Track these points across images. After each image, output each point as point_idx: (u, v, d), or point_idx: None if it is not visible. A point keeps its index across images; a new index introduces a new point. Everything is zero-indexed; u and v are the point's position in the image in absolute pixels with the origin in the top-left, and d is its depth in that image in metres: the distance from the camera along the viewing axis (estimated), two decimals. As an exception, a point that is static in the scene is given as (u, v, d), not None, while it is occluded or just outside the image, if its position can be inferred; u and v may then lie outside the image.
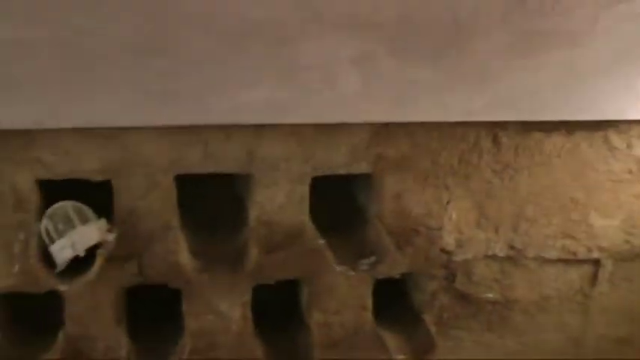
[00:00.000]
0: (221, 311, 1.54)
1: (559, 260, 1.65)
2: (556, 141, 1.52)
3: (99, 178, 1.37)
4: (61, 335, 1.46)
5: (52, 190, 1.40)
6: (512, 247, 1.61)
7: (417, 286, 1.70)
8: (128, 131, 1.35)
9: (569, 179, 1.56)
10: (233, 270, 1.42)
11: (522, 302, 1.69)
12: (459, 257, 1.59)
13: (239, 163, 1.42)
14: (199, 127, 1.37)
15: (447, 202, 1.53)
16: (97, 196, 1.41)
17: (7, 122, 1.28)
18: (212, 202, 1.61)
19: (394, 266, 1.56)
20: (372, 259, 1.46)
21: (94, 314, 1.48)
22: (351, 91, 1.35)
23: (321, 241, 1.45)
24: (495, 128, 1.49)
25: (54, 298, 1.48)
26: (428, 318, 1.64)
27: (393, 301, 1.77)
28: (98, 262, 1.30)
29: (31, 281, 1.39)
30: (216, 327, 1.56)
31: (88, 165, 1.36)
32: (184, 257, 1.41)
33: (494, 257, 1.61)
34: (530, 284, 1.67)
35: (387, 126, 1.45)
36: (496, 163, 1.52)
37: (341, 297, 1.59)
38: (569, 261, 1.65)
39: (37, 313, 1.56)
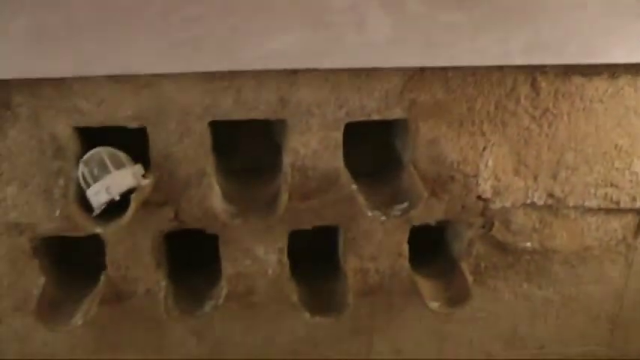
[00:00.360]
0: (257, 256, 1.58)
1: (600, 209, 1.61)
2: (598, 85, 1.47)
3: (134, 125, 1.40)
4: (103, 278, 1.53)
5: (90, 137, 1.44)
6: (551, 196, 1.58)
7: (455, 234, 1.69)
8: (161, 79, 1.37)
9: (612, 125, 1.51)
10: (267, 215, 1.42)
11: (562, 253, 1.66)
12: (496, 205, 1.57)
13: (272, 109, 1.43)
14: (231, 73, 1.38)
15: (484, 149, 1.50)
16: (134, 142, 1.44)
17: (44, 71, 1.31)
18: (251, 148, 1.62)
19: (429, 213, 1.56)
20: (405, 205, 1.45)
21: (133, 258, 1.54)
22: (381, 35, 1.33)
23: (354, 187, 1.44)
24: (534, 72, 1.45)
25: (97, 243, 1.55)
26: (465, 266, 1.63)
27: (433, 249, 1.79)
28: (132, 206, 1.32)
29: (71, 225, 1.45)
30: (252, 272, 1.60)
31: (123, 112, 1.39)
32: (218, 203, 1.42)
33: (532, 205, 1.58)
34: (570, 234, 1.64)
35: (421, 71, 1.42)
36: (534, 108, 1.48)
37: (377, 243, 1.60)
38: (612, 210, 1.61)
39: (81, 257, 1.63)
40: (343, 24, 1.32)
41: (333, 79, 1.41)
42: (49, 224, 1.46)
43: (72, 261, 1.63)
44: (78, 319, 1.43)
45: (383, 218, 1.43)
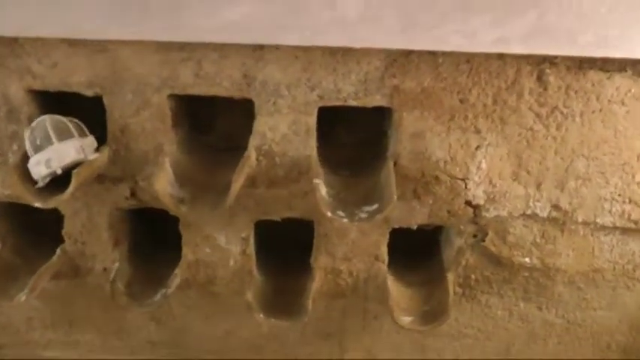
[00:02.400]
0: (218, 244, 1.48)
1: (616, 228, 1.40)
2: (620, 84, 1.24)
3: (89, 92, 1.32)
4: (58, 252, 1.47)
5: (53, 103, 1.38)
6: (557, 208, 1.38)
7: (447, 240, 1.53)
8: (117, 45, 1.28)
9: (635, 132, 1.29)
10: (216, 204, 1.29)
11: (567, 272, 1.47)
12: (490, 213, 1.39)
13: (236, 86, 1.30)
14: (190, 45, 1.26)
15: (477, 148, 1.32)
16: (97, 113, 1.37)
17: None
18: (230, 129, 1.52)
19: (410, 216, 1.40)
20: (375, 206, 1.30)
21: (90, 233, 1.48)
22: (353, 10, 1.18)
23: (317, 181, 1.30)
24: (541, 64, 1.25)
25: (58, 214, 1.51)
26: (451, 278, 1.47)
27: (430, 252, 1.66)
28: (73, 182, 1.23)
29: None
30: (213, 260, 1.50)
31: (77, 77, 1.31)
32: (165, 185, 1.31)
33: (534, 217, 1.39)
34: (577, 253, 1.44)
35: (406, 54, 1.26)
36: (540, 106, 1.28)
37: (350, 243, 1.47)
38: (629, 230, 1.40)
39: (45, 226, 1.59)
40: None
41: (303, 57, 1.27)
42: (3, 190, 1.41)
43: (34, 230, 1.59)
44: (22, 295, 1.39)
45: (344, 220, 1.31)
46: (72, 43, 1.28)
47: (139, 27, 1.24)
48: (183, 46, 1.27)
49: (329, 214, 1.27)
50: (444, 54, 1.25)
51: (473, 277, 1.49)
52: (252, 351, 1.65)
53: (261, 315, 1.40)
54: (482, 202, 1.38)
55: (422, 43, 1.20)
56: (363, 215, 1.30)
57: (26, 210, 1.45)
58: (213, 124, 1.51)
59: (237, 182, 1.29)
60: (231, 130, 1.50)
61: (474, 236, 1.43)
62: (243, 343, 1.64)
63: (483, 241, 1.43)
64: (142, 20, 1.23)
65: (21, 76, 1.32)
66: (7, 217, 1.51)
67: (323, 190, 1.31)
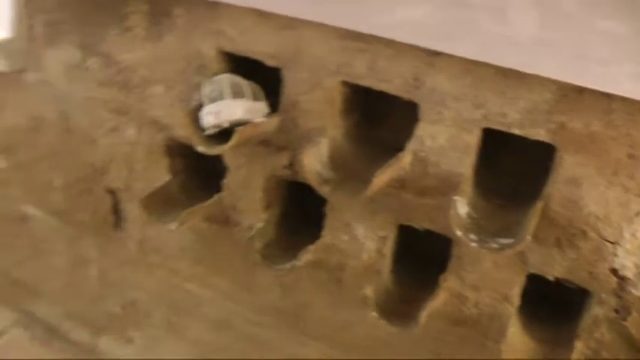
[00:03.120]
0: (355, 235, 1.51)
1: None
2: None
3: (271, 63, 1.45)
4: (215, 197, 1.63)
5: (234, 67, 1.52)
6: None
7: (585, 306, 1.39)
8: (302, 24, 1.38)
9: None
10: (356, 192, 1.32)
11: None
12: (638, 291, 1.24)
13: (405, 86, 1.33)
14: (370, 36, 1.31)
15: (637, 214, 1.19)
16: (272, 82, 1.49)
17: None
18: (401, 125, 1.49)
19: (547, 264, 1.31)
20: (509, 241, 1.24)
21: (245, 190, 1.61)
22: (526, 31, 1.12)
23: (456, 198, 1.27)
24: None
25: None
26: (580, 347, 1.34)
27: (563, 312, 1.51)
28: (235, 137, 1.36)
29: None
30: (347, 249, 1.54)
31: (262, 47, 1.44)
32: (316, 165, 1.39)
33: (693, 308, 1.23)
34: None
35: (578, 91, 1.17)
36: None
37: (482, 272, 1.42)
38: None
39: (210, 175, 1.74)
40: (479, 6, 1.15)
41: (474, 72, 1.26)
42: (181, 130, 1.59)
43: (204, 176, 1.75)
44: (173, 224, 1.56)
45: (473, 244, 1.25)
46: (262, 14, 1.42)
47: (323, 10, 1.34)
48: (361, 37, 1.33)
49: (459, 233, 1.25)
50: (621, 99, 1.14)
51: (604, 354, 1.34)
52: (362, 350, 1.66)
53: (374, 313, 1.42)
54: (630, 276, 1.24)
55: (594, 80, 1.12)
56: (495, 246, 1.26)
57: (201, 156, 1.64)
58: (385, 120, 1.54)
59: (380, 177, 1.33)
60: (401, 129, 1.53)
61: (616, 311, 1.30)
62: (356, 340, 1.66)
63: (625, 320, 1.29)
64: (327, 4, 1.32)
65: (215, 37, 1.49)
66: (182, 157, 1.71)
67: (463, 210, 1.29)
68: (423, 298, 1.49)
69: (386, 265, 1.53)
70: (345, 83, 1.40)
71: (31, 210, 2.20)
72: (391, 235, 1.50)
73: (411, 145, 1.37)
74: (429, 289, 1.50)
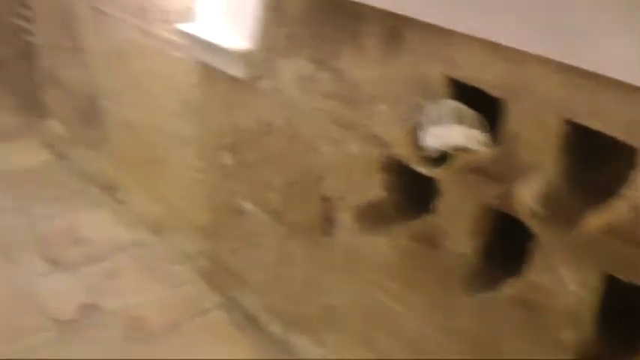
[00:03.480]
0: (558, 275, 1.47)
1: None
2: None
3: (495, 93, 1.48)
4: (423, 217, 1.70)
5: (457, 94, 1.58)
6: None
7: None
8: (529, 58, 1.38)
9: None
10: (562, 230, 1.32)
11: None
12: None
13: (621, 127, 1.27)
14: (596, 75, 1.28)
15: None
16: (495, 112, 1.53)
17: (431, 18, 1.51)
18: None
19: None
20: None
21: (454, 215, 1.65)
22: None
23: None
24: None
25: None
26: None
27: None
28: (453, 161, 1.45)
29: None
30: (547, 288, 1.50)
31: (489, 77, 1.47)
32: (535, 199, 1.36)
33: None
34: None
35: None
36: None
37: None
38: None
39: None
40: None
41: None
42: (400, 149, 1.67)
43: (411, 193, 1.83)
44: (380, 238, 1.69)
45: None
46: (491, 45, 1.45)
47: (551, 45, 1.34)
48: (587, 75, 1.30)
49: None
50: None
51: None
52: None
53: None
54: None
55: None
56: None
57: (414, 176, 1.69)
58: (603, 163, 1.48)
59: (593, 221, 1.30)
60: (619, 174, 1.44)
61: None
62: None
63: None
64: (555, 40, 1.33)
65: (444, 62, 1.56)
66: (396, 175, 1.79)
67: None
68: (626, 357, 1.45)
69: (589, 313, 1.47)
70: (567, 121, 1.39)
71: (248, 205, 2.43)
72: (596, 283, 1.44)
73: (627, 191, 1.32)
74: (634, 349, 1.46)
